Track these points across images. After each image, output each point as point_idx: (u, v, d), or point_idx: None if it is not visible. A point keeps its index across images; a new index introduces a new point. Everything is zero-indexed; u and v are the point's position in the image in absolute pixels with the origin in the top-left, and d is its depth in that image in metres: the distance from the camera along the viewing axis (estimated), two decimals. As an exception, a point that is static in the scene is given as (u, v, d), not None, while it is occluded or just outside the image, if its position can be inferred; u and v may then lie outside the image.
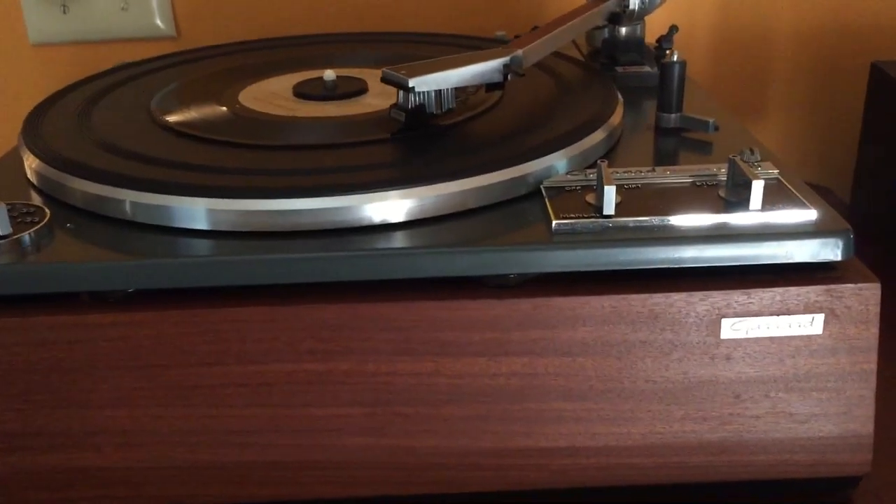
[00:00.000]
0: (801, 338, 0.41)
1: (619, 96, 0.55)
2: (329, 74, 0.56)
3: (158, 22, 0.85)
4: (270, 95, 0.56)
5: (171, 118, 0.53)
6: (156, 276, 0.40)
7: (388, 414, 0.42)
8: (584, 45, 0.71)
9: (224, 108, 0.54)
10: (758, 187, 0.41)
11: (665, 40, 0.66)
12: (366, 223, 0.42)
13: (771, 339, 0.41)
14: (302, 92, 0.56)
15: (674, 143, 0.52)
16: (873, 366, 0.42)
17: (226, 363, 0.41)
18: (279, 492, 0.43)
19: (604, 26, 0.64)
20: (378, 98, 0.55)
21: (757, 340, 0.41)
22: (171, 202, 0.42)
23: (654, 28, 0.68)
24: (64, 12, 0.85)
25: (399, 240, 0.41)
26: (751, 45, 0.84)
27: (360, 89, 0.56)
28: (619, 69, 0.63)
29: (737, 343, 0.41)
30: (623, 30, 0.65)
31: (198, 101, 0.56)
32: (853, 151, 0.80)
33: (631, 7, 0.64)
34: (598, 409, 0.42)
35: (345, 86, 0.56)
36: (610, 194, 0.41)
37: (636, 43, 0.66)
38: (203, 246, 0.41)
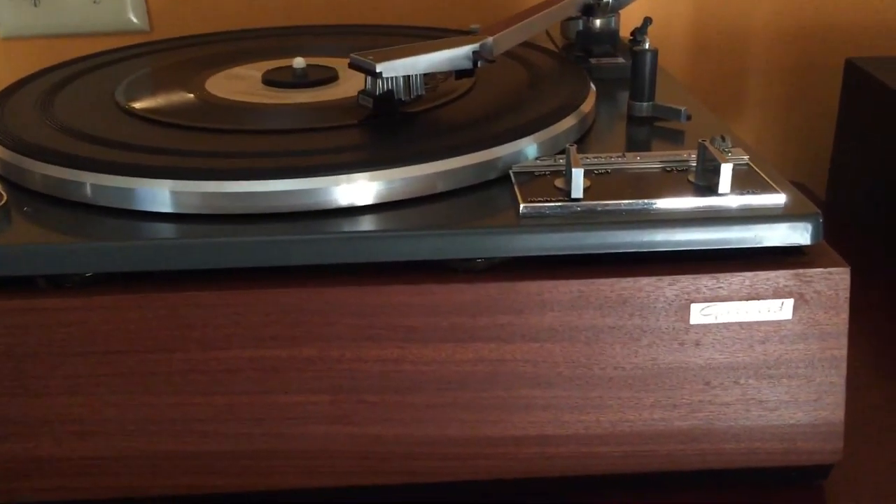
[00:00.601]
0: (770, 323, 0.41)
1: (592, 85, 0.54)
2: (299, 62, 0.55)
3: (131, 16, 0.84)
4: (238, 83, 0.55)
5: (136, 104, 0.52)
6: (115, 259, 0.39)
7: (353, 401, 0.41)
8: (558, 37, 0.70)
9: (190, 95, 0.53)
10: (727, 170, 0.40)
11: (639, 32, 0.66)
12: (333, 206, 0.41)
13: (740, 324, 0.41)
14: (270, 79, 0.55)
15: (646, 131, 0.52)
16: (843, 352, 0.41)
17: (186, 349, 0.40)
18: (242, 482, 0.42)
19: (578, 17, 0.64)
20: (348, 86, 0.54)
21: (727, 326, 0.41)
22: (133, 184, 0.41)
23: (629, 23, 0.68)
24: (35, 5, 0.84)
25: (366, 223, 0.41)
26: (727, 42, 0.84)
27: (329, 77, 0.55)
28: (593, 61, 0.63)
29: (706, 329, 0.41)
30: (597, 22, 0.65)
31: (163, 88, 0.55)
32: (829, 149, 0.80)
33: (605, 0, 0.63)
34: (567, 396, 0.41)
35: (314, 74, 0.55)
36: (578, 177, 0.40)
37: (610, 35, 0.65)
38: (165, 229, 0.41)
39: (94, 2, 0.84)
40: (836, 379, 0.42)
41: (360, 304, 0.40)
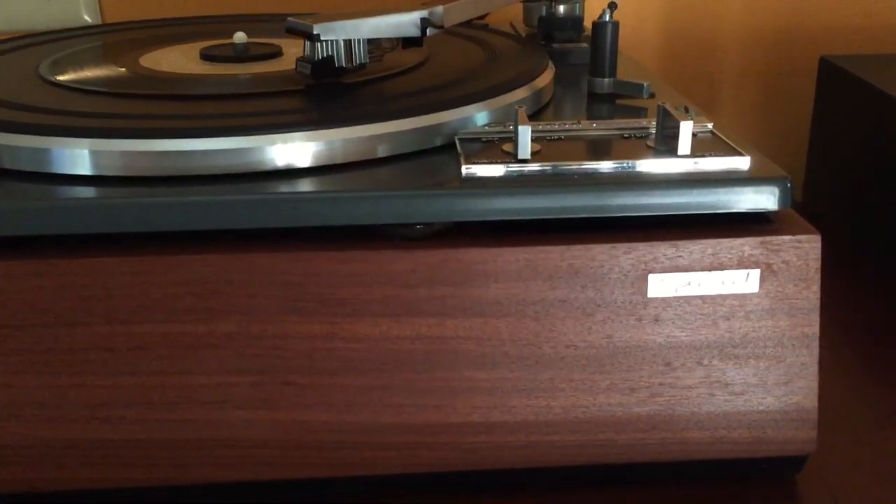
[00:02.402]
0: (735, 297, 0.37)
1: (550, 63, 0.51)
2: (240, 36, 0.52)
3: (84, 13, 0.81)
4: (175, 58, 0.52)
5: (61, 77, 0.48)
6: (10, 221, 0.35)
7: (278, 383, 0.37)
8: (522, 28, 0.67)
9: (121, 69, 0.50)
10: (686, 129, 0.37)
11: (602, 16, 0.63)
12: (264, 169, 0.38)
13: (703, 298, 0.37)
14: (210, 55, 0.52)
15: (607, 109, 0.48)
16: (815, 329, 0.38)
17: (89, 323, 0.36)
18: (153, 475, 0.38)
19: (540, 2, 0.61)
20: (292, 62, 0.51)
21: (688, 300, 0.37)
22: (47, 143, 0.38)
23: (595, 15, 0.65)
24: (-16, 1, 0.81)
25: (297, 187, 0.37)
26: (700, 45, 0.82)
27: (272, 53, 0.52)
28: (556, 46, 0.60)
29: (666, 302, 0.37)
30: (561, 8, 0.62)
31: (92, 63, 0.52)
32: (804, 152, 0.78)
33: (568, -16, 0.61)
34: (515, 378, 0.38)
35: (256, 49, 0.52)
36: (525, 136, 0.37)
37: (574, 21, 0.62)
38: (78, 192, 0.37)
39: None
40: (807, 360, 0.38)
41: (286, 273, 0.36)
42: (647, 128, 0.42)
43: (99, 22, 0.80)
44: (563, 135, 0.41)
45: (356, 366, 0.37)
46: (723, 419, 0.38)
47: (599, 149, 0.39)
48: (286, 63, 0.51)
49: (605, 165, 0.37)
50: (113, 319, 0.36)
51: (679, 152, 0.37)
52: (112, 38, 0.59)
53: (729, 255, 0.36)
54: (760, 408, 0.38)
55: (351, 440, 0.38)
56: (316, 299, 0.36)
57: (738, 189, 0.37)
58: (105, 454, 0.37)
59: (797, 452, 0.39)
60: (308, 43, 0.44)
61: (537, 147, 0.39)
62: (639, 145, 0.40)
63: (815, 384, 0.38)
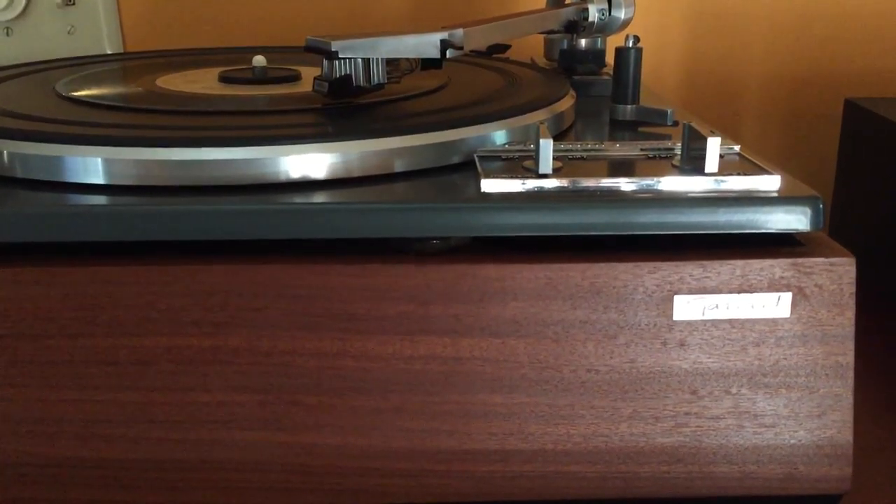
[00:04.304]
0: (766, 321, 0.35)
1: (571, 89, 0.50)
2: (259, 60, 0.52)
3: (106, 46, 0.81)
4: (192, 80, 0.52)
5: (77, 93, 0.48)
6: (16, 227, 0.34)
7: (286, 403, 0.36)
8: (543, 62, 0.67)
9: (138, 88, 0.50)
10: (713, 146, 0.36)
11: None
12: (280, 180, 0.37)
13: (731, 322, 0.35)
14: (228, 76, 0.51)
15: (629, 136, 0.47)
16: (850, 359, 0.36)
17: (92, 335, 0.35)
18: (152, 498, 0.36)
19: (559, 32, 0.61)
20: (311, 85, 0.50)
21: (715, 323, 0.35)
22: (61, 152, 0.37)
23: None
24: (8, 35, 0.81)
25: (311, 198, 0.36)
26: (723, 89, 0.81)
27: (291, 76, 0.51)
28: (577, 78, 0.59)
29: (692, 326, 0.35)
30: (583, 42, 0.62)
31: (109, 82, 0.51)
32: (829, 196, 0.76)
33: (590, 19, 0.60)
34: (533, 403, 0.36)
35: (275, 73, 0.52)
36: (546, 149, 0.36)
37: (596, 55, 0.62)
38: (84, 199, 0.36)
39: (69, 32, 0.81)
40: (842, 391, 0.36)
41: (296, 286, 0.35)
42: (673, 149, 0.40)
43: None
44: (584, 154, 0.40)
45: (366, 386, 0.35)
46: (752, 453, 0.36)
47: (623, 167, 0.38)
48: (304, 87, 0.50)
49: (629, 183, 0.36)
50: (116, 331, 0.35)
51: (706, 170, 0.36)
52: (131, 63, 0.59)
53: (759, 277, 0.35)
54: (792, 441, 0.36)
55: (358, 466, 0.36)
56: (326, 314, 0.35)
57: (767, 208, 0.35)
58: (101, 473, 0.36)
59: (831, 491, 0.37)
60: (326, 62, 0.44)
61: (559, 165, 0.38)
62: (664, 165, 0.38)
63: (849, 417, 0.36)
